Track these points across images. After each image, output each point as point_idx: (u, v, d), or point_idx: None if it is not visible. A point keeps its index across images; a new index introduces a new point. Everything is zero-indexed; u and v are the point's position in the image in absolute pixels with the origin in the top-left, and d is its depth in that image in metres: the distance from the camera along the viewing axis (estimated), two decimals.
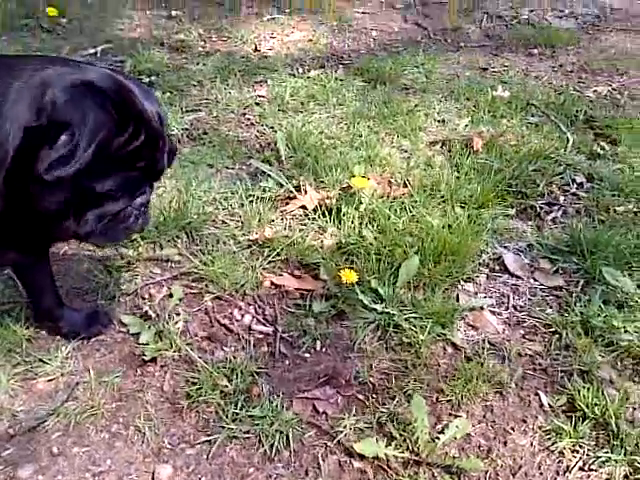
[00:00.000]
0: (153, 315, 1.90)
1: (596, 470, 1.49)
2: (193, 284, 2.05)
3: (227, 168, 2.63)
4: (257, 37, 3.92)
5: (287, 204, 2.40)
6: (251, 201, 2.37)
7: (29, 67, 1.31)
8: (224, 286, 2.03)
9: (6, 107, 1.25)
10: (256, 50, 3.79)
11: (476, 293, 2.05)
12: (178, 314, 1.92)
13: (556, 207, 2.42)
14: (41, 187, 1.29)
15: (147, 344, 1.81)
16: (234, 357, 1.80)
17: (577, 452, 1.53)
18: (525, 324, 1.92)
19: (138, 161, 1.36)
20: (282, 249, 2.16)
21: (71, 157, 1.24)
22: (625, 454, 1.49)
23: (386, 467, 1.51)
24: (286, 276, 2.10)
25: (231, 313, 1.98)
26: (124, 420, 1.64)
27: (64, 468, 1.53)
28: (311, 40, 3.96)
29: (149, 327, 1.86)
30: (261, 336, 1.91)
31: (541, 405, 1.66)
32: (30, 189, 1.30)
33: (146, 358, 1.76)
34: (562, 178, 2.58)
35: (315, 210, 2.34)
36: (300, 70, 3.56)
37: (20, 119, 1.25)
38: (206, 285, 2.04)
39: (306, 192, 2.42)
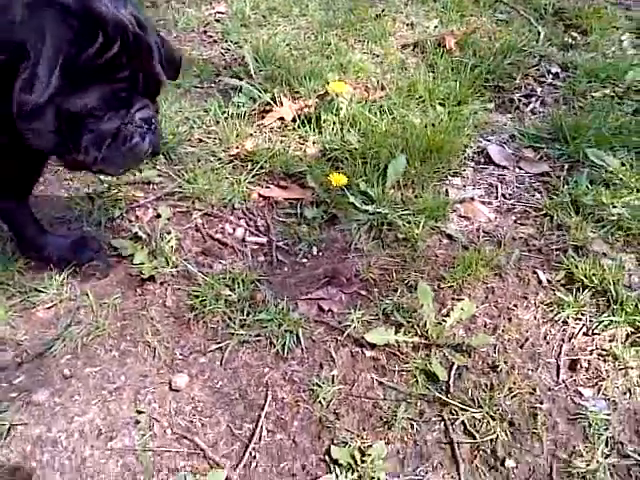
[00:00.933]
0: (144, 236, 1.86)
1: (599, 334, 1.55)
2: (179, 203, 2.00)
3: (196, 87, 2.53)
4: None
5: (264, 117, 2.33)
6: (226, 117, 2.30)
7: None
8: (211, 202, 2.00)
9: None
10: None
11: (464, 186, 2.06)
12: (169, 233, 1.88)
13: (534, 98, 2.42)
14: (26, 122, 1.20)
15: (142, 264, 1.77)
16: (233, 268, 1.78)
17: (580, 319, 1.58)
18: (516, 210, 1.94)
19: (118, 72, 1.27)
20: (265, 161, 2.12)
21: (35, 83, 1.14)
22: (626, 315, 1.55)
23: (398, 353, 1.54)
24: (273, 187, 2.07)
25: (222, 228, 1.95)
26: (131, 338, 1.62)
27: (79, 389, 1.51)
28: None
29: (142, 248, 1.82)
30: (256, 247, 1.89)
31: (540, 282, 1.70)
32: (18, 128, 1.21)
33: (144, 277, 1.73)
34: (537, 70, 2.57)
35: (294, 120, 2.29)
36: None
37: None
38: (193, 203, 2.00)
39: (282, 104, 2.35)
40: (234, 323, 1.63)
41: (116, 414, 1.46)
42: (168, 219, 1.94)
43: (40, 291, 1.70)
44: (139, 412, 1.46)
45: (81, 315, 1.66)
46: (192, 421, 1.45)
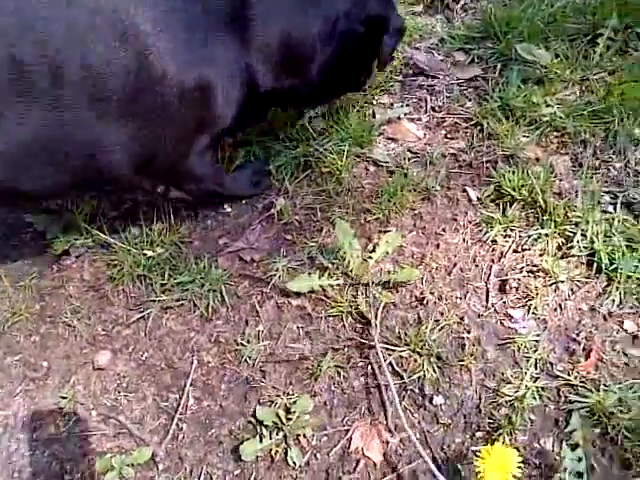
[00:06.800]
0: (56, 207, 1.75)
1: (529, 249, 1.47)
2: None
3: None
4: None
5: None
6: None
7: None
8: None
9: None
10: None
11: (392, 104, 1.91)
12: (83, 200, 1.77)
13: None
14: None
15: (56, 237, 1.68)
16: (151, 230, 1.68)
17: (509, 237, 1.50)
18: (445, 123, 1.81)
19: None
20: None
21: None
22: (555, 226, 1.46)
23: (324, 298, 1.47)
24: None
25: (140, 182, 1.82)
26: (51, 319, 1.56)
27: (1, 380, 1.46)
28: None
29: (55, 220, 1.72)
30: (179, 202, 1.78)
31: (470, 200, 1.61)
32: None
33: (57, 252, 1.64)
34: None
35: None
36: None
37: None
38: None
39: None
40: (155, 290, 1.56)
41: (40, 402, 1.42)
42: None
43: None
44: (63, 397, 1.42)
45: None
46: (117, 399, 1.41)
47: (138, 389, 1.42)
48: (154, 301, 1.54)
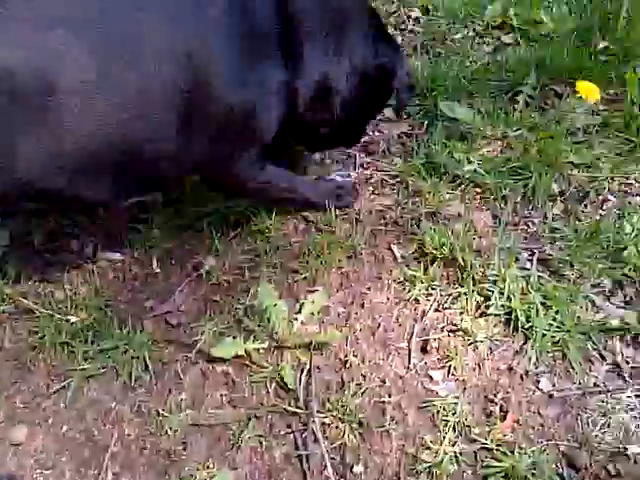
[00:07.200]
0: None
1: (449, 308, 1.49)
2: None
3: None
4: None
5: None
6: None
7: None
8: (55, 217, 1.84)
9: None
10: None
11: (322, 159, 1.94)
12: (7, 262, 1.73)
13: None
14: None
15: None
16: (76, 293, 1.65)
17: (431, 295, 1.52)
18: (373, 180, 1.85)
19: None
20: None
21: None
22: (474, 284, 1.50)
23: (248, 362, 1.46)
24: None
25: (68, 246, 1.80)
26: None
27: None
28: None
29: None
30: (107, 263, 1.76)
31: (394, 258, 1.63)
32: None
33: None
34: (397, 17, 2.43)
35: None
36: None
37: None
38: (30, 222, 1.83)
39: None
40: (78, 357, 1.52)
41: None
42: (6, 246, 1.79)
43: None
44: None
45: None
46: (34, 476, 1.36)
47: (55, 465, 1.37)
48: (76, 370, 1.50)
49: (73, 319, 1.59)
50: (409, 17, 2.43)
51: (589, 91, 1.69)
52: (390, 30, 2.34)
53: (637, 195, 1.76)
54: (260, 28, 1.37)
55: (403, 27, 2.41)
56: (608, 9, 2.26)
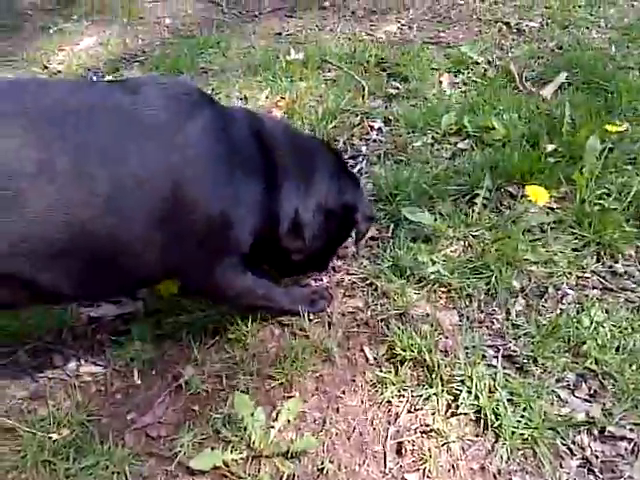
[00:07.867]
0: None
1: (421, 409, 1.54)
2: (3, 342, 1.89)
3: None
4: (45, 54, 3.68)
5: None
6: None
7: None
8: (39, 334, 1.89)
9: None
10: (45, 68, 3.57)
11: None
12: None
13: (360, 158, 2.46)
14: None
15: None
16: (58, 409, 1.68)
17: (402, 397, 1.58)
18: (344, 283, 1.94)
19: None
20: None
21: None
22: (442, 384, 1.56)
23: (227, 474, 1.49)
24: (104, 305, 2.00)
25: (51, 362, 1.85)
26: None
27: None
28: (102, 44, 3.77)
29: None
30: (89, 377, 1.80)
31: (367, 360, 1.70)
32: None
33: None
34: (361, 128, 2.62)
35: None
36: (95, 78, 3.39)
37: None
38: (16, 339, 1.89)
39: None
40: (59, 475, 1.53)
41: None
42: None
43: None
44: None
45: None
46: None
47: None
48: None
49: (55, 436, 1.61)
50: (372, 127, 2.63)
51: (538, 195, 1.84)
52: (356, 140, 2.54)
53: (594, 288, 1.86)
54: (240, 151, 1.54)
55: (367, 137, 2.59)
56: (554, 114, 2.47)
